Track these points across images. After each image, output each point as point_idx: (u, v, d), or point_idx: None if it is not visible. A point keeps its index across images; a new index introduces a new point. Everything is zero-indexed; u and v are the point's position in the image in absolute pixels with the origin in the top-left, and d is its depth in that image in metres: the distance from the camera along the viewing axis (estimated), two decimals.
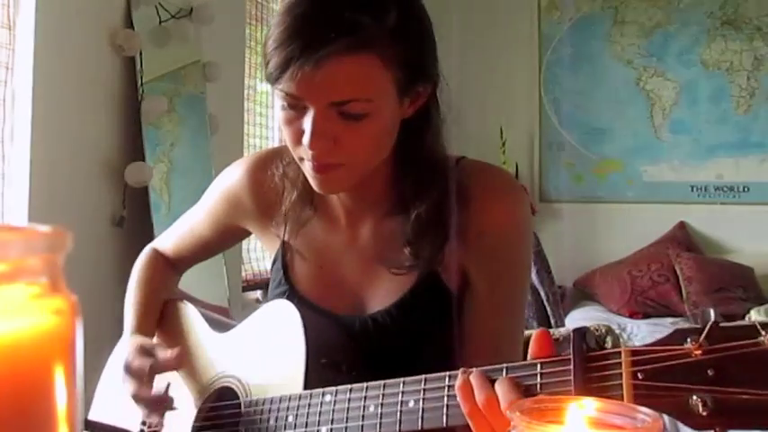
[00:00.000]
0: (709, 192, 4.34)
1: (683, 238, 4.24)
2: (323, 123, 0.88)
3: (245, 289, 3.07)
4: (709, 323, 0.59)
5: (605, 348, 0.65)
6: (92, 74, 2.26)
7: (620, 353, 0.63)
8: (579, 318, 3.81)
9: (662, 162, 4.41)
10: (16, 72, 2.03)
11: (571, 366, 0.65)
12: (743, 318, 3.59)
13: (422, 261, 0.98)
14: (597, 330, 2.30)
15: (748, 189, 4.28)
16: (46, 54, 2.05)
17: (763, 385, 0.56)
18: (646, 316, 3.91)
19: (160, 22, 2.49)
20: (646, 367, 0.61)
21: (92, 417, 1.16)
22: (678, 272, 3.97)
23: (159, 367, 1.07)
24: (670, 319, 3.83)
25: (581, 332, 0.66)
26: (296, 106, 0.90)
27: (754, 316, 3.57)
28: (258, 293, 3.23)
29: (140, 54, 2.37)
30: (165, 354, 1.07)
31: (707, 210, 4.32)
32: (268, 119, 3.39)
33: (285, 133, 0.94)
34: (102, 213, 2.28)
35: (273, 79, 0.89)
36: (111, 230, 2.29)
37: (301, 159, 0.94)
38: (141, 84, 2.38)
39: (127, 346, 1.13)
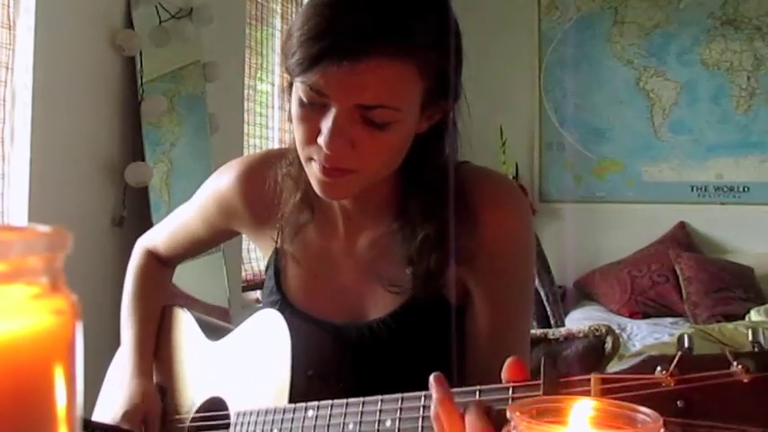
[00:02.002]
0: (710, 192, 4.34)
1: (683, 238, 4.24)
2: (344, 125, 0.84)
3: (245, 289, 3.07)
4: (680, 352, 0.57)
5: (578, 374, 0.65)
6: (92, 74, 2.26)
7: (589, 380, 0.62)
8: (579, 318, 3.81)
9: (662, 162, 4.41)
10: (16, 72, 2.03)
11: (541, 392, 0.64)
12: (743, 318, 3.59)
13: (421, 283, 0.95)
14: (597, 330, 2.30)
15: (748, 189, 4.28)
16: (46, 54, 2.05)
17: (734, 418, 0.55)
18: (646, 316, 3.92)
19: (160, 22, 2.49)
20: (615, 396, 0.59)
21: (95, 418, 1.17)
22: (678, 272, 3.97)
23: None
24: (670, 319, 3.83)
25: (552, 359, 0.66)
26: (316, 103, 0.85)
27: (754, 316, 3.57)
28: (258, 293, 3.23)
29: (140, 54, 2.37)
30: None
31: (707, 210, 4.32)
32: (268, 119, 3.39)
33: (297, 130, 0.88)
34: (102, 213, 2.28)
35: (298, 72, 0.84)
36: (111, 230, 2.29)
37: (309, 160, 0.89)
38: (141, 84, 2.38)
39: (128, 392, 1.14)
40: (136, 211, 2.35)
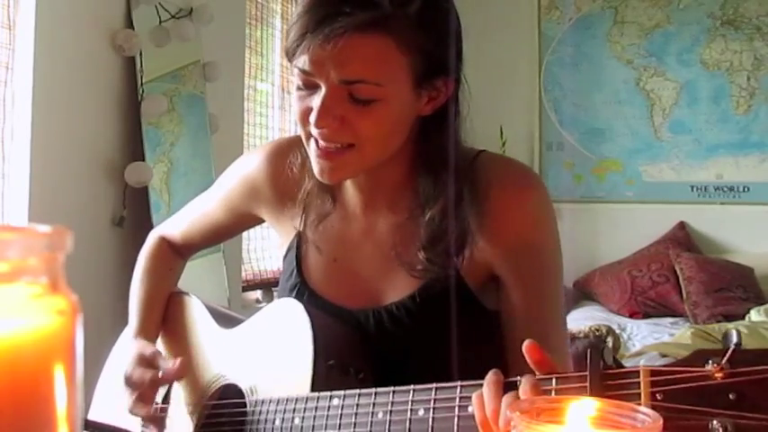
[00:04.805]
0: (709, 192, 4.34)
1: (683, 238, 4.24)
2: (331, 101, 0.88)
3: (245, 289, 3.07)
4: (732, 346, 0.57)
5: (622, 366, 0.65)
6: (92, 74, 2.26)
7: (638, 372, 0.62)
8: (579, 318, 3.81)
9: (662, 162, 4.41)
10: (16, 72, 2.03)
11: (587, 383, 0.64)
12: (743, 318, 3.59)
13: (436, 267, 0.97)
14: (597, 330, 2.30)
15: (748, 189, 4.28)
16: (46, 54, 2.05)
17: None
18: (646, 316, 3.91)
19: (160, 22, 2.49)
20: (665, 388, 0.60)
21: (91, 416, 1.16)
22: (678, 272, 3.97)
23: (159, 381, 1.08)
24: (670, 319, 3.83)
25: (598, 348, 0.65)
26: (309, 84, 0.90)
27: (754, 316, 3.56)
28: (258, 293, 3.23)
29: (140, 54, 2.37)
30: (167, 365, 1.08)
31: (707, 210, 4.32)
32: (268, 119, 3.39)
33: (295, 112, 0.94)
34: (102, 213, 2.28)
35: (290, 55, 0.90)
36: (111, 230, 2.29)
37: (309, 138, 0.93)
38: (141, 84, 2.38)
39: (128, 353, 1.13)
40: (136, 211, 2.35)
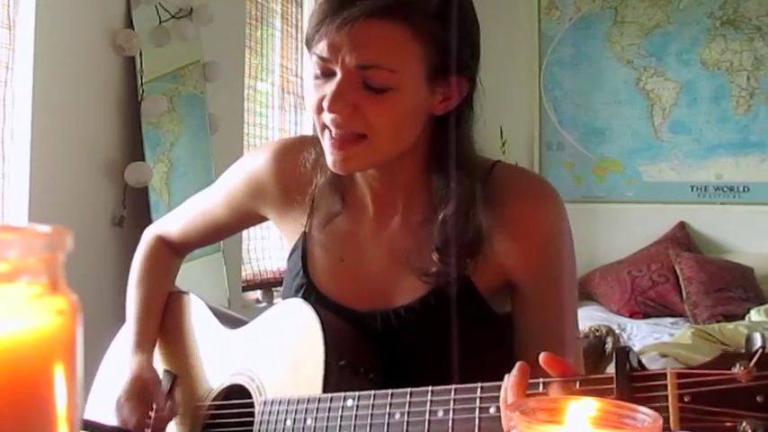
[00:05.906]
0: (709, 192, 4.34)
1: (683, 238, 4.24)
2: (345, 86, 0.89)
3: (245, 289, 3.07)
4: (759, 350, 0.58)
5: (647, 369, 0.65)
6: (92, 74, 2.25)
7: (665, 374, 0.62)
8: (579, 318, 3.79)
9: (662, 162, 4.41)
10: (16, 72, 2.03)
11: (614, 386, 0.64)
12: (743, 318, 3.59)
13: (448, 269, 0.96)
14: (597, 330, 2.30)
15: (748, 189, 4.28)
16: (46, 54, 2.05)
17: None
18: (646, 316, 3.91)
19: (160, 22, 2.49)
20: (693, 390, 0.60)
21: (88, 415, 1.16)
22: (678, 272, 3.97)
23: (144, 426, 1.08)
24: (670, 319, 3.83)
25: (625, 351, 0.65)
26: (326, 72, 0.91)
27: (754, 316, 3.56)
28: (258, 293, 3.23)
29: (140, 54, 2.37)
30: (160, 401, 1.09)
31: (707, 210, 4.31)
32: (268, 119, 3.38)
33: (310, 101, 0.94)
34: (102, 213, 2.28)
35: (310, 43, 0.91)
36: (111, 230, 2.29)
37: (323, 129, 0.93)
38: (141, 84, 2.38)
39: (126, 368, 1.12)
40: (136, 211, 2.35)
